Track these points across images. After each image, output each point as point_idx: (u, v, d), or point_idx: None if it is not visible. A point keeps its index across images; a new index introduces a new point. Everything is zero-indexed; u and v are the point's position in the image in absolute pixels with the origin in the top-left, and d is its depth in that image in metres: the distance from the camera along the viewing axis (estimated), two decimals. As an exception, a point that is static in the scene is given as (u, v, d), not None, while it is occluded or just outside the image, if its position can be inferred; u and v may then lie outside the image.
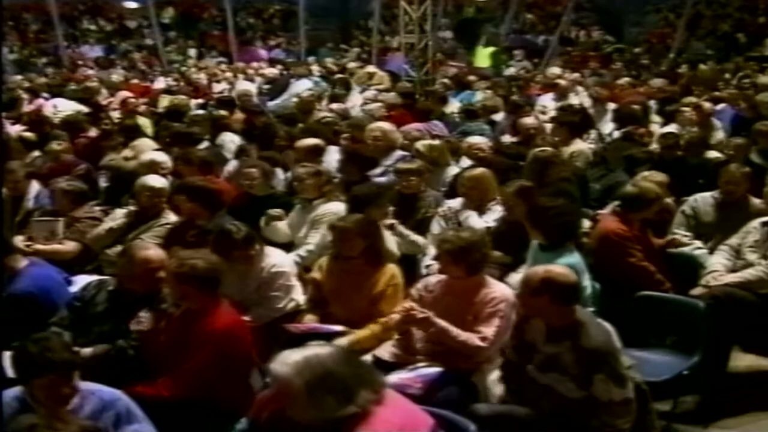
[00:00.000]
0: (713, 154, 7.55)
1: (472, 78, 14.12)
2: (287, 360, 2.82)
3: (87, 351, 4.02)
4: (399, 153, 7.08)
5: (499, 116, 10.01)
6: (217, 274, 3.97)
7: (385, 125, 7.63)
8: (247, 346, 3.98)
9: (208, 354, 3.76)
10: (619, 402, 3.46)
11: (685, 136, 7.91)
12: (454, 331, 3.96)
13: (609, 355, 3.49)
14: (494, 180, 5.76)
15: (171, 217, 5.64)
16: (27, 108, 11.20)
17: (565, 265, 3.99)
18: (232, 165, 7.37)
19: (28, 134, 8.25)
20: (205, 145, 7.78)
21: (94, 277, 5.35)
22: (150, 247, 4.41)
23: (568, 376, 3.49)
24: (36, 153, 7.85)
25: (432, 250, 5.18)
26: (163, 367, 3.85)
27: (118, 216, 5.72)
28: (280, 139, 7.90)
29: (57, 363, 3.10)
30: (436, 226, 5.65)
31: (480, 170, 5.85)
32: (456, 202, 5.75)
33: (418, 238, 5.51)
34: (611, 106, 10.08)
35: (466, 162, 7.03)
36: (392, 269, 4.60)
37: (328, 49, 21.67)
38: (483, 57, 18.23)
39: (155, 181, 5.80)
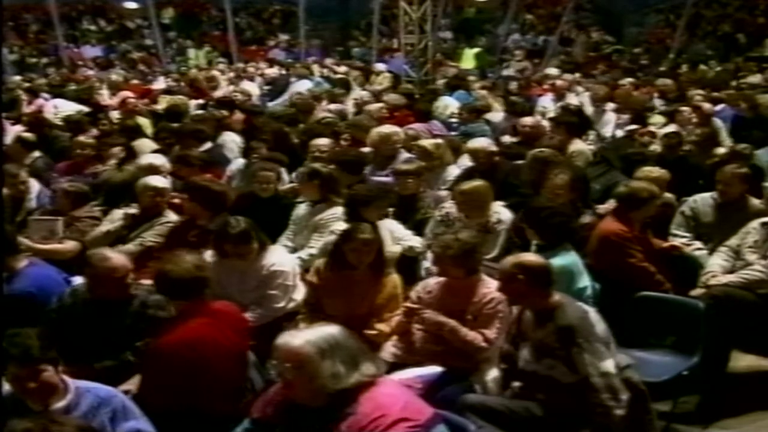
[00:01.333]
0: (721, 151, 7.57)
1: (471, 78, 14.14)
2: (296, 333, 2.96)
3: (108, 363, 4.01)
4: (405, 155, 7.09)
5: (491, 116, 10.00)
6: (190, 280, 3.88)
7: (398, 129, 7.62)
8: (217, 352, 3.82)
9: (173, 363, 3.70)
10: (598, 375, 3.47)
11: (692, 136, 7.93)
12: (463, 330, 4.00)
13: (582, 329, 3.54)
14: (490, 192, 5.54)
15: (172, 216, 5.64)
16: (27, 108, 11.19)
17: (560, 266, 3.99)
18: (236, 165, 7.36)
19: (28, 135, 8.25)
20: (208, 145, 7.75)
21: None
22: (112, 256, 4.28)
23: (558, 360, 3.54)
24: (36, 153, 7.87)
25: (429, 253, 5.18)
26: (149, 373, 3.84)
27: (116, 218, 5.71)
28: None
29: (14, 355, 3.09)
30: (430, 230, 5.60)
31: (475, 183, 5.55)
32: (454, 208, 5.60)
33: (415, 242, 5.48)
34: (611, 106, 10.10)
35: (466, 160, 7.03)
36: (394, 279, 4.57)
37: (368, 48, 21.60)
38: (468, 58, 18.15)
39: (157, 180, 5.79)
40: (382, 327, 4.34)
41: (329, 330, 2.95)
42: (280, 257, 4.85)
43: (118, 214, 5.75)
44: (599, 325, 3.64)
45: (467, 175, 6.42)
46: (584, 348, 3.50)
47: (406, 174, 6.08)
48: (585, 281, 4.56)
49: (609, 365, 3.53)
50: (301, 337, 2.89)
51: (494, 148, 6.93)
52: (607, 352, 3.58)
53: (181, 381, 3.69)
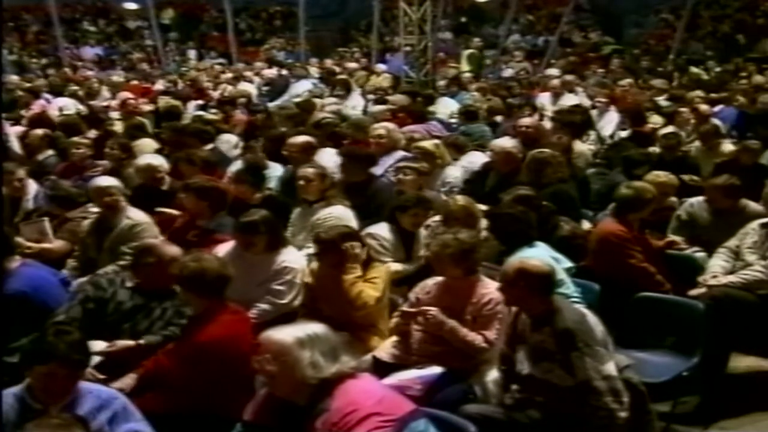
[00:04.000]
0: (728, 148, 7.57)
1: (466, 76, 14.16)
2: (280, 328, 3.06)
3: (142, 341, 4.07)
4: (401, 153, 7.09)
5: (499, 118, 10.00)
6: (217, 278, 3.90)
7: (389, 125, 7.64)
8: (244, 354, 3.75)
9: (200, 364, 3.70)
10: (601, 378, 3.47)
11: (693, 135, 7.93)
12: (463, 330, 4.00)
13: (581, 332, 3.55)
14: (477, 208, 5.42)
15: (137, 216, 5.46)
16: (29, 109, 11.18)
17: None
18: (235, 166, 7.33)
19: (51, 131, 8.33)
20: (209, 146, 7.75)
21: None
22: (172, 245, 4.45)
23: (555, 363, 3.54)
24: (50, 151, 7.88)
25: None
26: (166, 373, 3.83)
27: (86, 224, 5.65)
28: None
29: (60, 351, 3.10)
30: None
31: (466, 201, 5.38)
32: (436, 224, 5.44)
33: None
34: (611, 107, 10.09)
35: (469, 159, 6.98)
36: (381, 270, 4.57)
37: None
38: (463, 60, 17.98)
39: (102, 180, 5.71)
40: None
41: (311, 326, 3.08)
42: (293, 256, 4.85)
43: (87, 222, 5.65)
44: (597, 328, 3.64)
45: (483, 173, 6.41)
46: (585, 352, 3.49)
47: (405, 169, 6.07)
48: (558, 274, 4.47)
49: (611, 368, 3.53)
50: (283, 331, 3.01)
51: (519, 150, 6.73)
52: (607, 354, 3.58)
53: (217, 378, 3.69)
